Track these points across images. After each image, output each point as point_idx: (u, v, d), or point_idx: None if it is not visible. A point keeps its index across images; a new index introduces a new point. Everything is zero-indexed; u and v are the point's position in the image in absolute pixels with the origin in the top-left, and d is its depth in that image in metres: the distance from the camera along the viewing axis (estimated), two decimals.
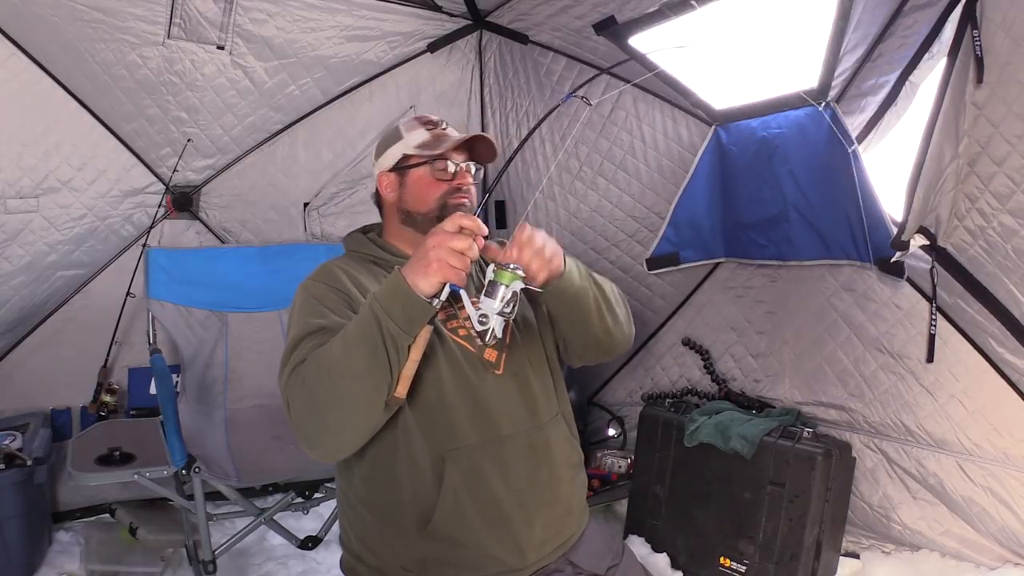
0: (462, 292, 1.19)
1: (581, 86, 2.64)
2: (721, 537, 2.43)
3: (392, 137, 1.51)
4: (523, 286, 1.20)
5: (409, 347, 1.19)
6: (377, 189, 1.53)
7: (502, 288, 1.18)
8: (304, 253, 3.07)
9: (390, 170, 1.49)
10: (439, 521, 1.33)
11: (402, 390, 1.21)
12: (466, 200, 1.46)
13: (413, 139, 1.47)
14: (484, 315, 1.18)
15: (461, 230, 1.16)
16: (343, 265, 1.46)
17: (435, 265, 1.15)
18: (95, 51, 2.53)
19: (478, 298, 1.20)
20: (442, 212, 1.43)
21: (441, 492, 1.33)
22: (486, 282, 1.19)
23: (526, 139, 2.83)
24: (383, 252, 1.49)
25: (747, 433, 2.37)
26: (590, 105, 1.63)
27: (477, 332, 1.20)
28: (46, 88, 2.56)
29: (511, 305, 1.19)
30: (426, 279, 1.16)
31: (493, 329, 1.19)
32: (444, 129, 1.50)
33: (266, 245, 3.08)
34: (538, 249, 1.24)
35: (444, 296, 1.18)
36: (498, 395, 1.38)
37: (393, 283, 1.19)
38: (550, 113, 2.70)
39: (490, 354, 1.41)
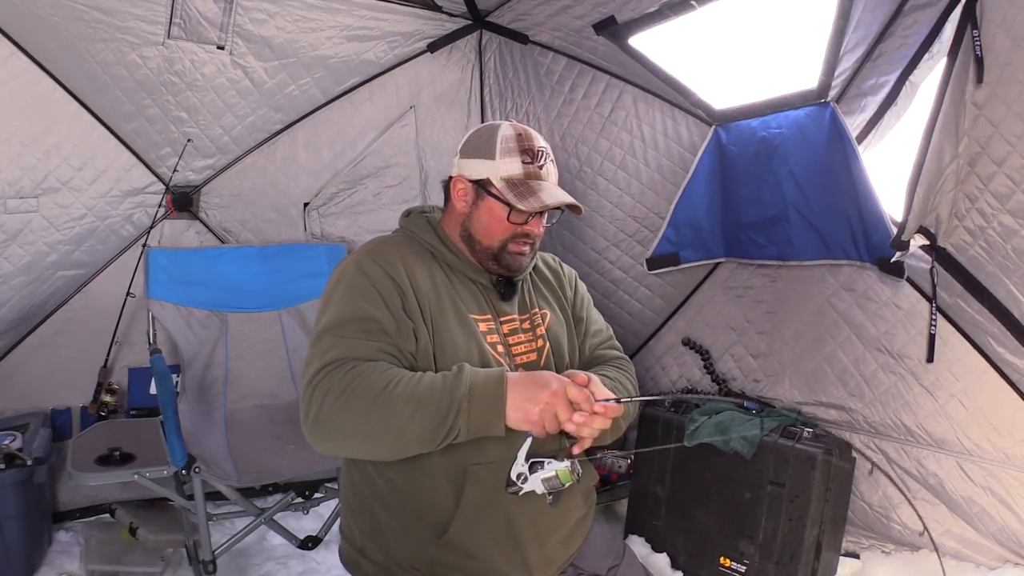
0: (530, 439, 1.23)
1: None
2: (721, 537, 2.43)
3: (484, 148, 1.41)
4: (565, 486, 1.25)
5: None
6: (449, 182, 1.47)
7: (553, 475, 1.22)
8: (304, 253, 3.07)
9: (471, 180, 1.43)
10: (454, 533, 1.34)
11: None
12: (527, 249, 1.43)
13: (504, 168, 1.39)
14: (524, 477, 1.23)
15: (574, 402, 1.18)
16: (400, 250, 1.41)
17: (536, 418, 1.18)
18: (95, 51, 2.53)
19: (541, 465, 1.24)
20: (501, 252, 1.41)
21: (459, 507, 1.34)
22: (549, 467, 1.22)
23: None
24: (443, 247, 1.45)
25: (747, 433, 2.37)
26: None
27: (510, 477, 1.24)
28: (46, 88, 2.56)
29: (550, 491, 1.24)
30: (519, 421, 1.19)
31: (520, 490, 1.24)
32: (541, 167, 1.40)
33: (266, 245, 3.08)
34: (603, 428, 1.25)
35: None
36: None
37: (494, 395, 1.19)
38: None
39: None
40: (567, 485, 1.23)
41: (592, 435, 1.24)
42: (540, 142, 1.43)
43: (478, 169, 1.41)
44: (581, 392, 1.20)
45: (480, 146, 1.42)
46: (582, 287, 1.67)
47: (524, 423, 1.19)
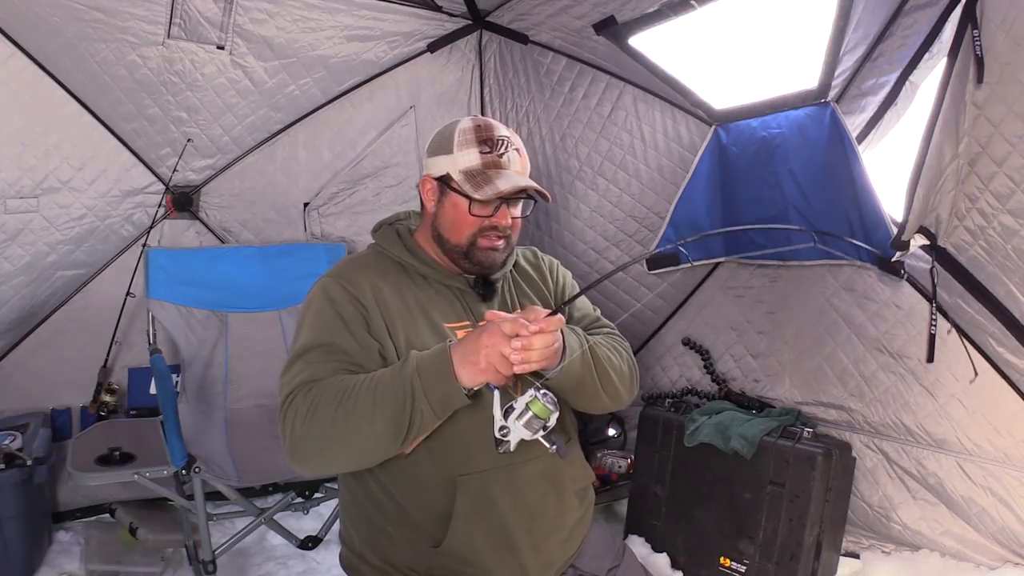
0: (496, 393, 1.22)
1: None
2: (721, 537, 2.43)
3: (444, 144, 1.39)
4: (550, 424, 1.21)
5: None
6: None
7: (530, 415, 1.19)
8: (304, 253, 3.07)
9: (435, 177, 1.41)
10: (450, 542, 1.34)
11: (411, 447, 1.24)
12: (499, 243, 1.39)
13: (462, 160, 1.36)
14: (506, 429, 1.20)
15: (516, 336, 1.16)
16: (367, 270, 1.41)
17: (484, 364, 1.17)
18: (95, 51, 2.53)
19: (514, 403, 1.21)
20: (470, 249, 1.38)
21: (452, 518, 1.33)
22: (519, 404, 1.20)
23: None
24: (412, 258, 1.44)
25: (747, 433, 2.37)
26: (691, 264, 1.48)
27: (495, 436, 1.22)
28: (46, 88, 2.56)
29: (536, 432, 1.21)
30: (471, 376, 1.18)
31: (509, 444, 1.21)
32: (501, 155, 1.36)
33: (266, 245, 3.08)
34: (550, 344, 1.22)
35: (479, 386, 1.22)
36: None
37: (439, 364, 1.19)
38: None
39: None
40: (551, 420, 1.20)
41: (543, 355, 1.20)
42: (502, 131, 1.40)
43: (440, 165, 1.39)
44: (513, 323, 1.18)
45: (441, 142, 1.41)
46: (564, 275, 1.64)
47: (477, 376, 1.18)
